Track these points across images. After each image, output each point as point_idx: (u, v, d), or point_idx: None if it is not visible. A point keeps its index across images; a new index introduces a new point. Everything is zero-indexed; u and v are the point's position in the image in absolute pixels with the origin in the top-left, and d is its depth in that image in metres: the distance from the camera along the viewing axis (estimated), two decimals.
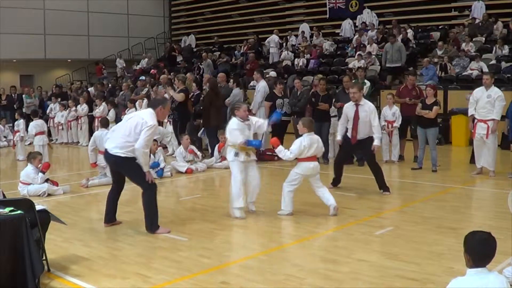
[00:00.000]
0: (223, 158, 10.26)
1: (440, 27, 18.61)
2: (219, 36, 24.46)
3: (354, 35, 19.58)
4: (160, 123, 11.40)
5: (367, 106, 8.24)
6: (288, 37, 21.21)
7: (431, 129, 9.79)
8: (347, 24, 20.63)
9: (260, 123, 7.13)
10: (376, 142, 8.08)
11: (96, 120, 14.07)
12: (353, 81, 11.11)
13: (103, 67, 23.96)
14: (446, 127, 13.69)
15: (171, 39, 27.55)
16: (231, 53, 22.09)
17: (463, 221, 6.54)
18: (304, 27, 21.47)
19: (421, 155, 10.07)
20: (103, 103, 15.01)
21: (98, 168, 9.51)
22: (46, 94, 19.68)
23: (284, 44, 20.70)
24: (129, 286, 4.57)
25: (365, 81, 11.66)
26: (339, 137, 8.70)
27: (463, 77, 14.79)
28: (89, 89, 18.95)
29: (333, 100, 10.86)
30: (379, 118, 11.07)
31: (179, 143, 11.25)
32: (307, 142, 6.67)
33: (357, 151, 9.50)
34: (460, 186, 8.79)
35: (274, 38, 20.73)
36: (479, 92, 9.38)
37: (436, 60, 15.63)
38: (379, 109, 12.81)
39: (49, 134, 15.09)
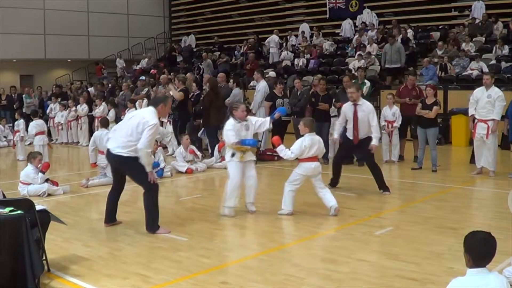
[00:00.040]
0: (223, 158, 10.23)
1: (440, 27, 18.60)
2: (219, 36, 24.45)
3: (354, 35, 19.58)
4: (160, 123, 11.39)
5: (365, 106, 8.24)
6: (288, 37, 21.21)
7: (431, 129, 9.79)
8: (347, 24, 20.62)
9: (262, 121, 7.15)
10: (374, 142, 8.07)
11: (96, 120, 14.06)
12: (353, 81, 11.11)
13: (103, 67, 23.95)
14: (446, 127, 13.70)
15: (171, 39, 27.56)
16: (231, 53, 22.09)
17: (463, 221, 6.54)
18: (304, 27, 21.47)
19: (421, 155, 10.07)
20: (103, 103, 15.01)
21: (98, 168, 9.52)
22: (46, 94, 19.67)
23: (284, 44, 20.69)
24: (129, 286, 4.57)
25: (365, 81, 11.67)
26: (335, 136, 8.71)
27: (463, 77, 14.79)
28: (89, 89, 18.95)
29: (333, 100, 10.87)
30: (379, 118, 11.14)
31: (179, 143, 11.25)
32: (308, 142, 6.68)
33: (356, 151, 9.50)
34: (460, 186, 8.79)
35: (274, 38, 20.73)
36: (479, 92, 9.38)
37: (436, 60, 15.63)
38: (379, 109, 12.84)
39: (49, 134, 15.10)
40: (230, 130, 6.82)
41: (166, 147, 12.72)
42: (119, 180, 6.42)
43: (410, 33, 17.97)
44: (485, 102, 9.21)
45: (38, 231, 4.64)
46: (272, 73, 15.98)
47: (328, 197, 6.80)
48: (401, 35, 17.52)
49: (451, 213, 6.91)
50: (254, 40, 21.56)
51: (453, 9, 18.95)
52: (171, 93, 11.99)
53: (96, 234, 6.20)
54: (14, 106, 18.80)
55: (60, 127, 16.53)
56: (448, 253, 5.22)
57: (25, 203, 4.71)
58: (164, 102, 6.31)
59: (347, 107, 8.38)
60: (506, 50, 15.27)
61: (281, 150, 6.79)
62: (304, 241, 5.89)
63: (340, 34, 20.83)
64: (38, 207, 4.81)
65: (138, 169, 5.99)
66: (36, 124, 11.97)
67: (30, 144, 13.14)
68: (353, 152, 9.73)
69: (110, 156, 6.18)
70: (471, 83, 13.99)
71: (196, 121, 12.44)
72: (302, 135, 6.80)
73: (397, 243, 5.63)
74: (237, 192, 6.87)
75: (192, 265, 5.05)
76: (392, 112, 11.03)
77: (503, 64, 14.81)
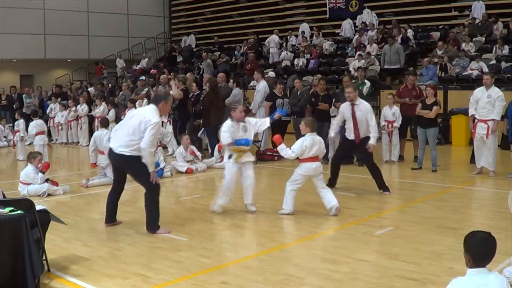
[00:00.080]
0: (223, 158, 10.25)
1: (440, 27, 18.61)
2: (219, 36, 24.46)
3: (354, 35, 19.58)
4: (160, 123, 11.38)
5: (362, 105, 8.25)
6: (288, 37, 21.21)
7: (431, 129, 9.79)
8: (347, 24, 20.62)
9: (261, 121, 7.16)
10: (371, 141, 8.06)
11: (96, 120, 14.06)
12: (353, 81, 11.11)
13: (103, 67, 23.96)
14: (446, 127, 13.69)
15: (171, 39, 27.57)
16: (231, 53, 22.09)
17: (463, 221, 6.54)
18: (304, 27, 21.47)
19: (421, 155, 10.07)
20: (103, 103, 15.01)
21: (98, 168, 9.52)
22: (46, 94, 19.68)
23: (284, 44, 20.70)
24: (129, 286, 4.57)
25: (365, 81, 11.66)
26: (331, 134, 8.71)
27: (463, 77, 14.79)
28: (89, 89, 18.95)
29: (333, 100, 10.87)
30: (379, 118, 11.15)
31: (179, 143, 11.25)
32: (309, 142, 6.68)
33: (355, 151, 9.49)
34: (460, 186, 8.79)
35: (274, 38, 20.73)
36: (479, 92, 9.39)
37: (436, 60, 15.63)
38: (379, 109, 12.84)
39: (49, 134, 15.09)
40: (225, 132, 6.86)
41: (166, 147, 12.73)
42: (120, 180, 6.41)
43: (410, 33, 17.98)
44: (485, 102, 9.21)
45: (38, 231, 4.64)
46: (272, 73, 15.99)
47: (330, 197, 6.80)
48: (401, 35, 17.52)
49: (451, 213, 6.92)
50: (254, 40, 21.56)
51: (453, 9, 18.96)
52: (171, 92, 11.98)
53: (96, 234, 6.20)
54: (14, 106, 18.80)
55: (60, 127, 16.53)
56: (448, 253, 5.22)
57: (25, 203, 4.71)
58: (165, 99, 6.30)
59: (344, 107, 8.39)
60: (506, 50, 15.27)
61: (282, 149, 6.80)
62: (304, 241, 5.90)
63: (340, 34, 20.83)
64: (38, 207, 4.81)
65: (140, 168, 5.98)
66: (36, 124, 11.97)
67: (30, 144, 13.14)
68: (352, 152, 9.73)
69: (112, 155, 6.16)
70: (471, 83, 13.99)
71: (196, 121, 12.44)
72: (303, 135, 6.80)
73: (397, 243, 5.63)
74: (230, 192, 6.91)
75: (192, 265, 5.05)
76: (392, 112, 11.02)
77: (503, 64, 14.81)
